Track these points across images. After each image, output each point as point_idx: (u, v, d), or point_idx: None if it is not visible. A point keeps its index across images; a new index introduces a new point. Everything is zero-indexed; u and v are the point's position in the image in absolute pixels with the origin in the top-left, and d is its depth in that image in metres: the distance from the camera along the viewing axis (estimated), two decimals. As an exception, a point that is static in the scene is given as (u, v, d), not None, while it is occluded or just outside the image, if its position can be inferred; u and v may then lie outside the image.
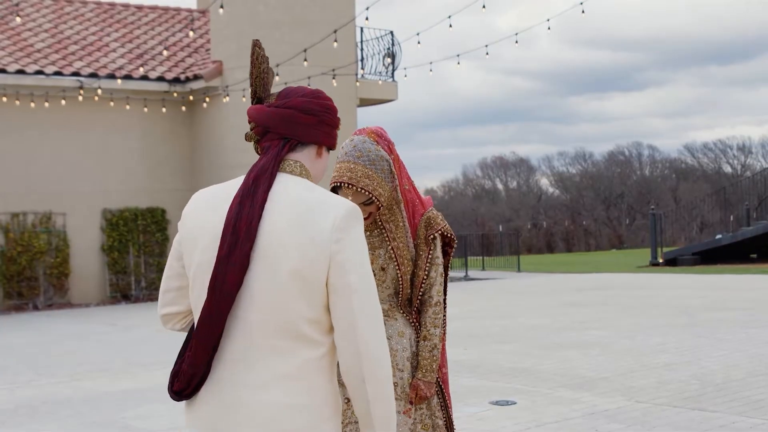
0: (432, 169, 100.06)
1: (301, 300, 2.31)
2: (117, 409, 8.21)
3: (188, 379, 2.36)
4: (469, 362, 9.92)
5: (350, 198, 3.39)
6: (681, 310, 14.15)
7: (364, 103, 22.61)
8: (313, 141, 2.49)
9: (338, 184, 3.42)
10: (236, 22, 19.37)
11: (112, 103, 19.59)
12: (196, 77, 20.16)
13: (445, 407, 3.63)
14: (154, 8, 24.86)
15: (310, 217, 2.33)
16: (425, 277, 3.57)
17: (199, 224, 2.42)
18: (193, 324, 2.45)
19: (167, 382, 2.47)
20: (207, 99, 20.09)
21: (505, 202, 67.37)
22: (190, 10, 25.35)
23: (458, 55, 16.24)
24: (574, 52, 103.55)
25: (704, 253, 27.18)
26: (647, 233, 29.57)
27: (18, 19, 16.92)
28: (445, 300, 3.64)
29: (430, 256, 3.57)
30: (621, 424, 6.80)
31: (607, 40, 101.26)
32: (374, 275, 3.42)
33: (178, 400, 2.44)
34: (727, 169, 64.46)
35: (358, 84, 21.05)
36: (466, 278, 25.51)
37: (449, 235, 3.64)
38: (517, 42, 15.12)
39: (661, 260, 27.35)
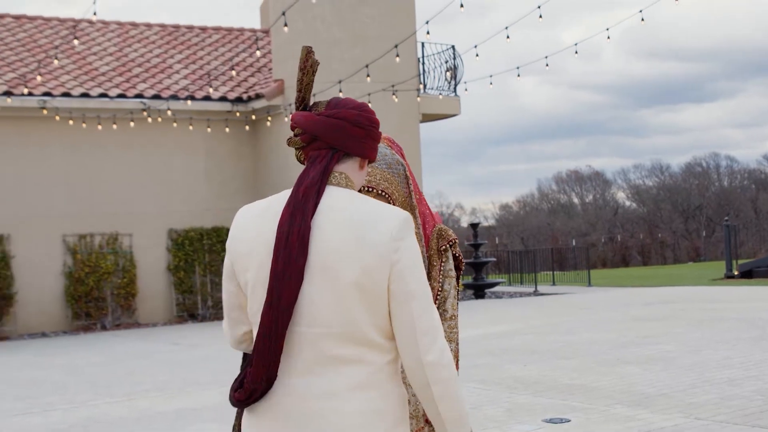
0: (505, 184, 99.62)
1: (363, 309, 2.34)
2: (168, 429, 8.18)
3: (249, 393, 2.37)
4: (527, 379, 9.70)
5: None
6: (751, 324, 13.70)
7: (426, 118, 22.45)
8: (359, 154, 2.54)
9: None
10: (296, 40, 19.40)
11: (175, 124, 19.78)
12: (258, 96, 20.24)
13: None
14: (217, 29, 25.08)
15: (367, 228, 2.36)
16: (440, 290, 3.43)
17: (253, 241, 2.44)
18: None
19: (229, 391, 2.47)
20: (269, 118, 20.14)
21: (582, 216, 66.62)
22: (253, 30, 25.51)
23: (518, 68, 16.04)
24: (640, 64, 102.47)
25: (781, 264, 26.45)
26: (725, 245, 28.85)
27: (75, 41, 17.14)
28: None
29: (443, 268, 3.44)
30: (676, 443, 6.55)
31: (672, 51, 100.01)
32: None
33: (237, 407, 2.48)
34: (809, 178, 63.04)
35: (419, 99, 20.94)
36: (536, 293, 25.17)
37: (458, 255, 3.52)
38: (576, 53, 14.88)
39: (736, 272, 26.67)
